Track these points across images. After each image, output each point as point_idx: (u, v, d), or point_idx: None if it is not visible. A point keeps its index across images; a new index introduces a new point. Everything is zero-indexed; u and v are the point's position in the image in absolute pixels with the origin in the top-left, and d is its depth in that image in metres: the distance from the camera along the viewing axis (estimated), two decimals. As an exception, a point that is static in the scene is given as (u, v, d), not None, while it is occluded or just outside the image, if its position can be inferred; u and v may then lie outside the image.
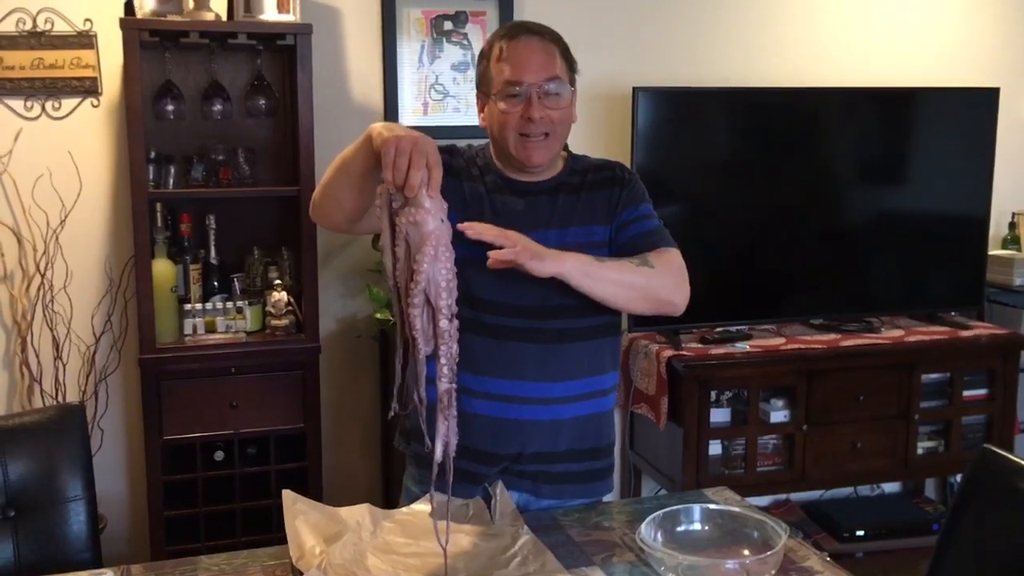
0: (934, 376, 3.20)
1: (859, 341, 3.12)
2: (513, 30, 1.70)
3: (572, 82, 1.70)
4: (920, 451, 3.19)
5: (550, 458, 1.71)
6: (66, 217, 2.87)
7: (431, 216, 1.32)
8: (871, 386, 3.08)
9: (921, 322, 3.34)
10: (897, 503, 3.56)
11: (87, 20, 2.83)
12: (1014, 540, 1.51)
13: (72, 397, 2.91)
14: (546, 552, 1.46)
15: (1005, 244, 3.67)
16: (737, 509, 1.56)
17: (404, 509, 1.63)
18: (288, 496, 1.57)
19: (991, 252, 3.47)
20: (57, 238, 2.87)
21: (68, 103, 2.86)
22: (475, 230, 1.52)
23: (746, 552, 1.45)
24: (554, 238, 1.67)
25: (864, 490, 3.57)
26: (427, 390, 1.38)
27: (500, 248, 1.52)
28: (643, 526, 1.45)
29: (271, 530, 2.70)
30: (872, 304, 3.36)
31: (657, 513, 1.49)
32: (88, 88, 2.86)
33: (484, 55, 1.71)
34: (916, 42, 3.57)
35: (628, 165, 2.89)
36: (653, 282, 1.66)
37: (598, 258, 1.63)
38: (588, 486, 1.77)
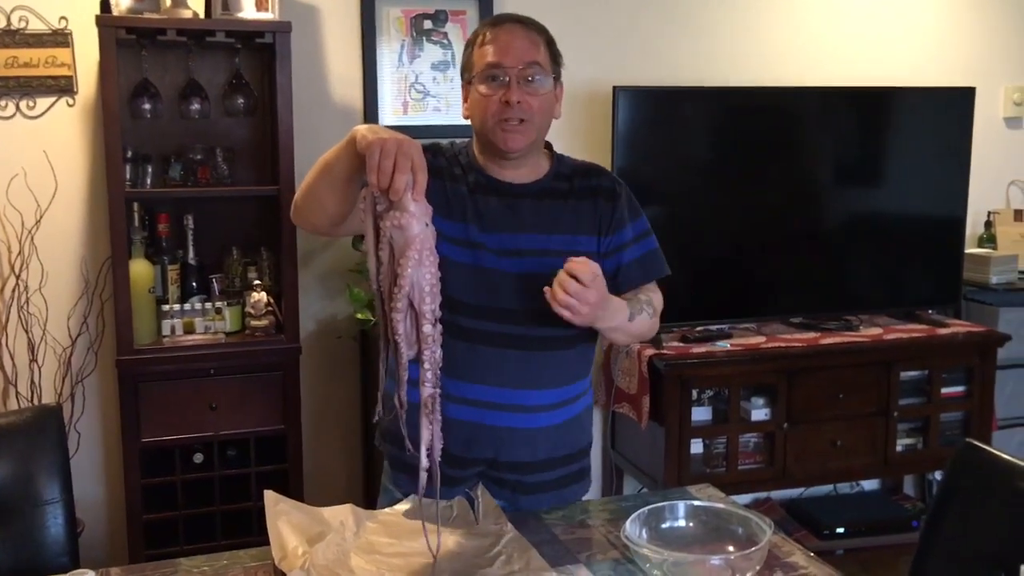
0: (912, 374, 3.22)
1: (838, 339, 3.14)
2: (499, 18, 1.70)
3: (556, 75, 1.69)
4: (899, 448, 3.21)
5: (527, 468, 1.70)
6: (41, 217, 2.83)
7: (416, 220, 1.31)
8: (851, 384, 3.10)
9: (899, 320, 3.37)
10: (876, 500, 3.58)
11: (62, 18, 2.80)
12: (997, 533, 1.52)
13: (48, 399, 2.87)
14: (530, 550, 1.45)
15: (981, 243, 3.71)
16: (721, 505, 1.56)
17: (387, 510, 1.62)
18: (270, 496, 1.55)
19: (968, 251, 3.50)
20: (32, 239, 2.83)
21: (43, 102, 2.83)
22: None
23: (731, 548, 1.45)
24: (536, 243, 1.66)
25: (844, 487, 3.59)
26: (409, 393, 1.37)
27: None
28: (628, 523, 1.45)
29: (251, 533, 2.69)
30: (851, 302, 3.38)
31: (642, 510, 1.49)
32: (63, 87, 2.83)
33: (469, 42, 1.70)
34: (893, 42, 3.59)
35: (609, 165, 2.91)
36: (652, 329, 1.78)
37: (633, 312, 1.67)
38: (566, 491, 1.76)
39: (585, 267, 1.51)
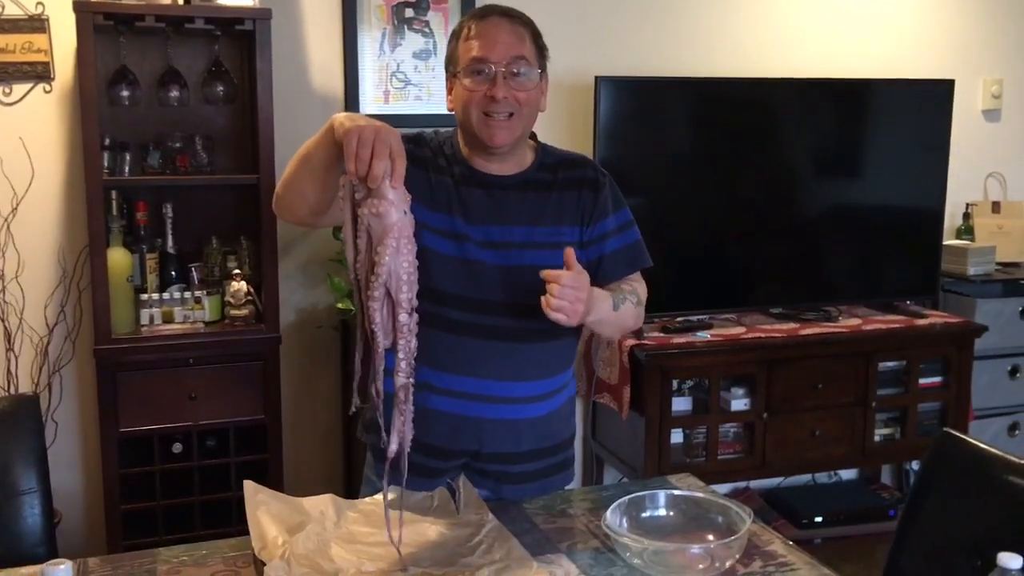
0: (891, 364, 3.24)
1: (818, 330, 3.15)
2: (484, 10, 1.67)
3: (542, 68, 1.68)
4: (877, 438, 3.24)
5: (511, 459, 1.70)
6: (18, 205, 2.80)
7: (394, 208, 1.30)
8: (829, 374, 3.12)
9: (878, 311, 3.39)
10: (854, 489, 3.61)
11: (39, 3, 2.77)
12: (974, 521, 1.54)
13: (25, 389, 2.85)
14: (511, 539, 1.46)
15: (959, 234, 3.74)
16: (701, 495, 1.57)
17: (367, 499, 1.62)
18: (250, 486, 1.55)
19: (945, 242, 3.52)
20: (8, 227, 2.80)
21: (19, 88, 2.79)
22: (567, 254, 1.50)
23: (711, 537, 1.45)
24: (520, 235, 1.65)
25: (822, 477, 3.62)
26: (385, 383, 1.36)
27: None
28: (608, 512, 1.46)
29: (230, 523, 2.68)
30: (830, 293, 3.40)
31: (622, 499, 1.50)
32: (40, 73, 2.80)
33: (454, 35, 1.68)
34: (873, 34, 3.61)
35: (591, 155, 2.91)
36: (638, 319, 1.76)
37: (616, 302, 1.65)
38: (550, 480, 1.76)
39: (560, 271, 1.50)
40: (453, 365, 1.64)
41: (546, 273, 1.49)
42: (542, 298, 1.49)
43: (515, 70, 1.62)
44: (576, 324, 1.54)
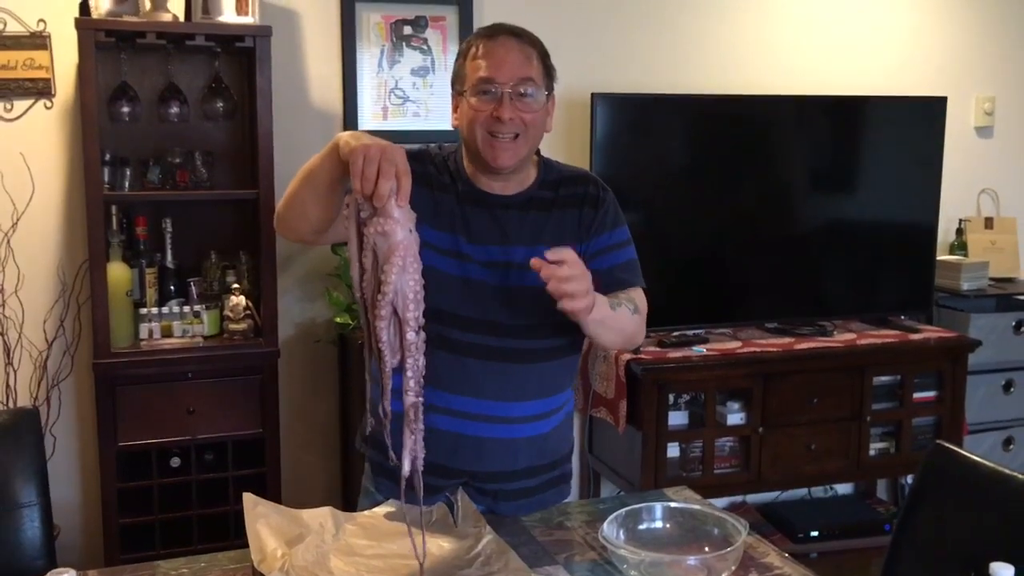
0: (885, 378, 3.26)
1: (813, 344, 3.17)
2: (492, 30, 1.67)
3: (549, 88, 1.68)
4: (872, 452, 3.25)
5: (509, 477, 1.71)
6: (18, 220, 2.82)
7: (400, 226, 1.30)
8: (824, 389, 3.13)
9: (872, 326, 3.40)
10: (850, 504, 3.62)
11: (40, 20, 2.79)
12: (967, 534, 1.55)
13: (24, 403, 2.85)
14: (509, 551, 1.46)
15: (952, 250, 3.76)
16: (697, 507, 1.58)
17: (367, 512, 1.63)
18: (249, 499, 1.56)
19: (939, 257, 3.55)
20: (8, 241, 2.82)
21: (20, 104, 2.82)
22: (556, 255, 1.46)
23: (707, 549, 1.47)
24: (521, 256, 1.65)
25: (818, 491, 3.63)
26: (393, 403, 1.36)
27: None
28: (605, 524, 1.47)
29: (228, 537, 2.68)
30: (825, 308, 3.42)
31: (619, 512, 1.51)
32: (41, 89, 2.82)
33: (461, 53, 1.68)
34: (867, 52, 3.64)
35: (588, 170, 2.93)
36: (638, 329, 1.72)
37: (613, 304, 1.62)
38: (547, 495, 1.77)
39: (560, 253, 1.47)
40: (452, 384, 1.65)
41: (542, 261, 1.45)
42: (548, 287, 1.45)
43: (522, 91, 1.62)
44: (585, 315, 1.50)
